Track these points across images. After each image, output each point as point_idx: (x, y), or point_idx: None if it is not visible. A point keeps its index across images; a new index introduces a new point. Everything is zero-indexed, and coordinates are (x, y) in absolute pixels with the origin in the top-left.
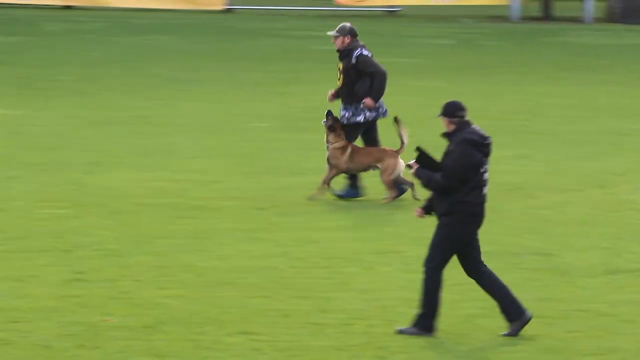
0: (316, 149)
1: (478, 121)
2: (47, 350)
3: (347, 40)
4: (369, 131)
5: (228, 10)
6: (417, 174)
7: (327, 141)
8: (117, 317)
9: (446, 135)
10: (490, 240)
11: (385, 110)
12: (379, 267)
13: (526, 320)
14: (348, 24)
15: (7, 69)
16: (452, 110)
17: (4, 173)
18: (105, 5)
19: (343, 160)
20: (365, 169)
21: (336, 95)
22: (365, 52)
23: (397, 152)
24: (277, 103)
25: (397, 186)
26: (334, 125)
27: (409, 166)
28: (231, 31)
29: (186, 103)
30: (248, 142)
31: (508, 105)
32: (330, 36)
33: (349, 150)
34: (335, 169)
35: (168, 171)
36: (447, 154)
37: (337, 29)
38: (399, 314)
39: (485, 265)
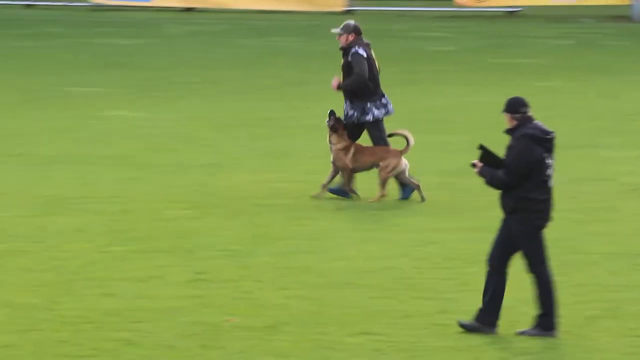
0: (435, 149)
1: (597, 122)
2: (170, 350)
3: (350, 38)
4: (373, 129)
5: (348, 12)
6: (480, 173)
7: (330, 142)
8: (238, 317)
9: (508, 131)
10: (612, 241)
11: (392, 108)
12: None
13: (485, 332)
14: (352, 22)
15: (129, 71)
16: (515, 107)
17: (127, 174)
18: (226, 7)
19: (347, 160)
20: (370, 168)
21: (339, 87)
22: (360, 51)
23: (402, 152)
24: (395, 104)
25: (406, 185)
26: (335, 125)
27: (472, 165)
28: None
29: (307, 104)
30: (367, 143)
31: (629, 106)
32: (335, 33)
33: (352, 150)
34: (345, 171)
35: (288, 172)
36: (508, 150)
37: (341, 26)
38: (520, 315)
39: (507, 268)
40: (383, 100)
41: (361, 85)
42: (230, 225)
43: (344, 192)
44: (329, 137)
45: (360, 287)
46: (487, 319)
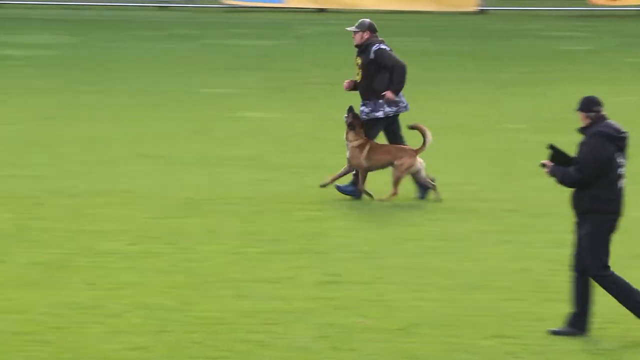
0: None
1: None
2: (302, 352)
3: (365, 35)
4: (390, 127)
5: (481, 12)
6: (551, 172)
7: (347, 139)
8: (371, 320)
9: (581, 129)
10: None
11: (406, 105)
12: (632, 270)
13: (578, 334)
14: (367, 20)
15: (262, 72)
16: (589, 105)
17: (260, 175)
18: (357, 7)
19: (362, 158)
20: (384, 167)
21: (352, 87)
22: (383, 47)
23: (417, 151)
24: (528, 104)
25: (422, 184)
26: (353, 122)
27: (542, 165)
28: (483, 32)
29: (437, 104)
30: (500, 143)
31: None
32: (350, 31)
33: (367, 148)
34: (359, 169)
35: None
36: (580, 147)
37: (356, 24)
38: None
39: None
40: (396, 98)
41: (405, 74)
42: (363, 227)
43: (353, 191)
44: (346, 134)
45: (492, 289)
46: (578, 323)
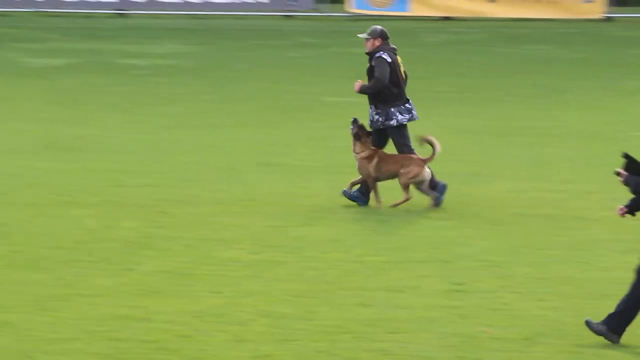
0: None
1: None
2: None
3: (376, 43)
4: (397, 135)
5: (607, 19)
6: (625, 181)
7: (354, 151)
8: (496, 329)
9: None
10: None
11: (416, 115)
12: None
13: (613, 341)
14: (379, 27)
15: None
16: None
17: (384, 184)
18: (483, 15)
19: (371, 169)
20: (394, 177)
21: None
22: (384, 56)
23: (425, 160)
24: None
25: (433, 189)
26: (359, 133)
27: (617, 174)
28: (609, 39)
29: (565, 112)
30: (625, 151)
31: None
32: (361, 39)
33: (375, 158)
34: (368, 180)
35: (546, 182)
36: None
37: (368, 31)
38: None
39: None
40: (407, 106)
41: (380, 89)
42: (488, 236)
43: (357, 197)
44: (353, 146)
45: (618, 299)
46: (616, 327)
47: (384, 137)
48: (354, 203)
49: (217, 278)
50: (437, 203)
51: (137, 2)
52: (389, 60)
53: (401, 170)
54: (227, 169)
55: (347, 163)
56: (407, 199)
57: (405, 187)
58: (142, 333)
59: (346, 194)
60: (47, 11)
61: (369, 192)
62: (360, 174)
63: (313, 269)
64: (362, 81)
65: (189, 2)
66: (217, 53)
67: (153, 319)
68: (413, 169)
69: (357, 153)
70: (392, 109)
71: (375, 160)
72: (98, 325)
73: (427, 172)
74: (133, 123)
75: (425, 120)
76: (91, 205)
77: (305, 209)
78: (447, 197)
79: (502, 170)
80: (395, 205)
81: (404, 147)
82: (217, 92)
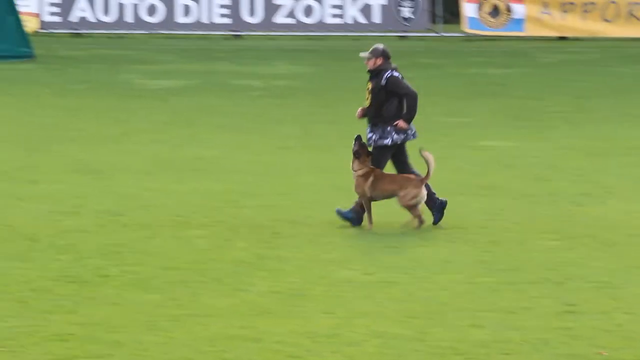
0: None
1: None
2: None
3: (379, 61)
4: (398, 154)
5: None
6: None
7: (352, 168)
8: (609, 350)
9: None
10: None
11: (415, 132)
12: None
13: None
14: (381, 46)
15: (501, 100)
16: None
17: (497, 204)
18: (599, 35)
19: (366, 188)
20: (389, 197)
21: (364, 115)
22: (396, 74)
23: (422, 180)
24: None
25: (432, 207)
26: (359, 151)
27: None
28: None
29: None
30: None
31: None
32: (362, 58)
33: (371, 177)
34: (364, 199)
35: None
36: None
37: (370, 50)
38: None
39: None
40: (407, 126)
41: (416, 102)
42: (601, 256)
43: (351, 217)
44: (352, 164)
45: None
46: None
47: (402, 151)
48: (464, 224)
49: (330, 299)
50: (435, 221)
51: (251, 23)
52: (400, 76)
53: (400, 193)
54: (340, 189)
55: (463, 182)
56: (419, 217)
57: (409, 208)
58: (254, 353)
59: (340, 214)
60: (162, 33)
61: (364, 212)
62: (356, 192)
63: (426, 290)
64: (401, 121)
65: (303, 23)
66: (331, 74)
67: (264, 340)
68: (411, 191)
69: (355, 170)
70: (389, 128)
71: (370, 179)
72: (209, 346)
73: (424, 193)
74: (248, 144)
75: (542, 142)
76: (205, 225)
77: (416, 230)
78: (559, 216)
79: (616, 190)
80: (407, 226)
81: (403, 165)
82: (331, 113)
